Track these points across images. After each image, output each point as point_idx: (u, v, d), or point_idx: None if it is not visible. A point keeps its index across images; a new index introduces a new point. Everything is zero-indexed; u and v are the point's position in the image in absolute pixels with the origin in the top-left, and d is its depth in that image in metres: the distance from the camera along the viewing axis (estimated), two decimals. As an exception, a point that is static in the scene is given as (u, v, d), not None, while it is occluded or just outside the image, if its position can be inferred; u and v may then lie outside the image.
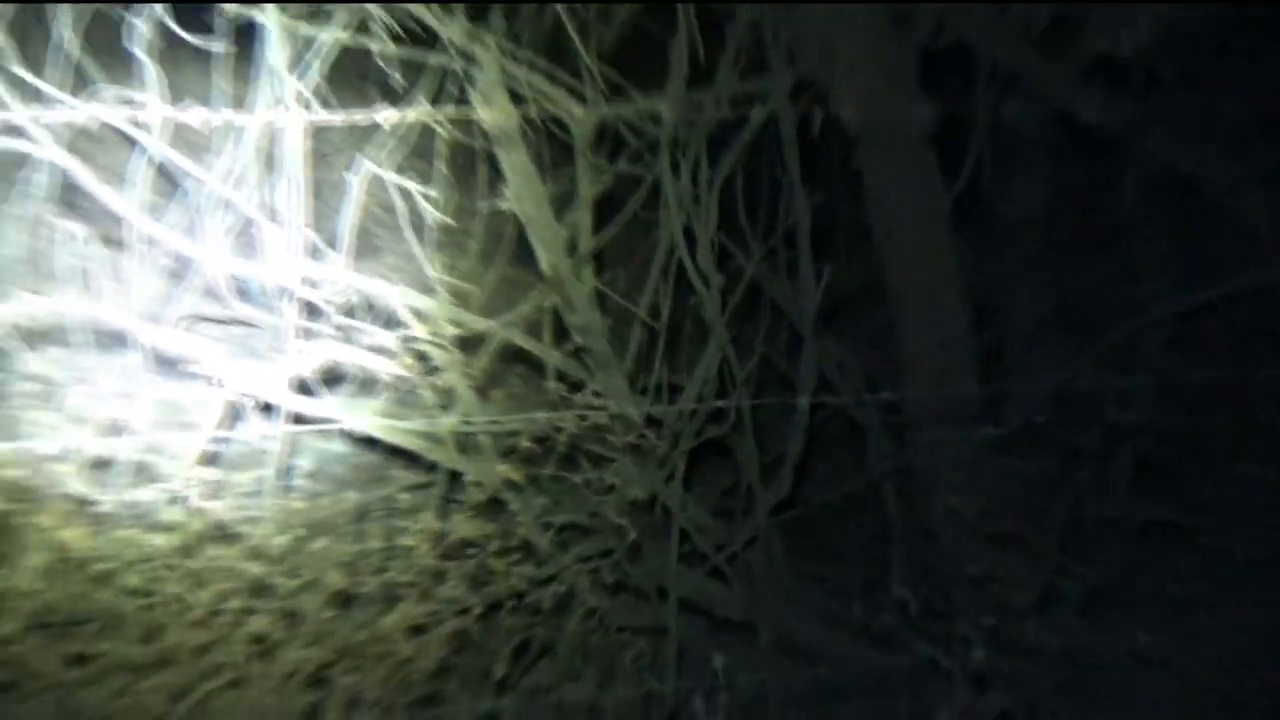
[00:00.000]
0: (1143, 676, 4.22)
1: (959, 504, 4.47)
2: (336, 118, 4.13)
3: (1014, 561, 4.38)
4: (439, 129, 4.27)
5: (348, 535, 4.26)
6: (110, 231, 4.10)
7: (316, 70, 4.10)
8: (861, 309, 4.41)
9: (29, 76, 3.89)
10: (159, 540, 4.12)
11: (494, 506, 4.24)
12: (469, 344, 4.30)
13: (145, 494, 4.20)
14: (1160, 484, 4.59)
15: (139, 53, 3.90)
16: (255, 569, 4.11)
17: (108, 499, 4.14)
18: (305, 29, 4.11)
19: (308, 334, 4.18)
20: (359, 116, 4.15)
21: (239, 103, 4.08)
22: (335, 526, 4.27)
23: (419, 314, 4.22)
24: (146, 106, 3.93)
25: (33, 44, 3.97)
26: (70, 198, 4.08)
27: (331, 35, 4.12)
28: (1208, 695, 4.20)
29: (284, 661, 4.00)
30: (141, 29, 3.92)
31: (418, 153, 4.26)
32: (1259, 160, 4.53)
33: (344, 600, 4.13)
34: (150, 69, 3.92)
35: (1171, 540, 4.52)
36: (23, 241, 4.19)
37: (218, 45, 3.98)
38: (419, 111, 4.24)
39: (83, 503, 4.12)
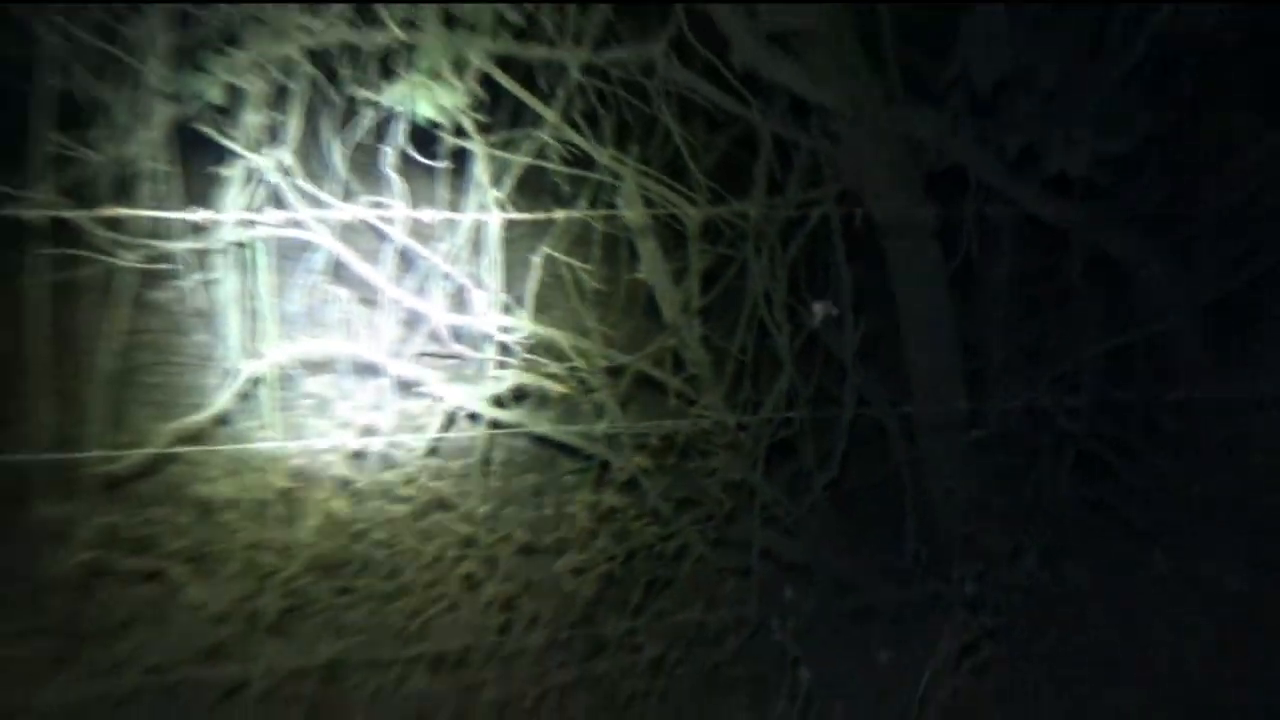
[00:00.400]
0: (1083, 605, 4.20)
1: (955, 485, 4.48)
2: (523, 216, 4.17)
3: (994, 525, 4.37)
4: (594, 223, 4.29)
5: (529, 505, 4.26)
6: (366, 294, 4.12)
7: (509, 182, 4.14)
8: (885, 348, 4.41)
9: (310, 187, 3.95)
10: (398, 508, 4.11)
11: (632, 485, 4.19)
12: (614, 372, 4.24)
13: (389, 476, 4.22)
14: (1095, 473, 4.57)
15: (388, 170, 3.95)
16: (465, 528, 4.09)
17: (363, 479, 4.15)
18: (500, 153, 4.15)
19: (501, 365, 4.19)
20: (538, 215, 4.18)
21: (455, 205, 4.12)
22: (521, 499, 4.27)
23: (579, 351, 4.18)
24: (392, 207, 3.98)
25: (312, 164, 4.03)
26: (338, 271, 4.12)
27: (519, 158, 4.17)
28: (1129, 619, 4.18)
29: (485, 593, 3.97)
30: (390, 153, 3.97)
31: (579, 240, 4.28)
32: (1161, 246, 4.53)
33: (527, 550, 4.11)
34: (395, 181, 3.97)
35: (1103, 512, 4.50)
36: (305, 301, 4.23)
37: (441, 164, 4.03)
38: (580, 211, 4.26)
39: (345, 482, 4.13)
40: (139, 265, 3.88)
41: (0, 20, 3.86)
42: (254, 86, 3.93)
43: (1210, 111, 4.51)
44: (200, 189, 4.00)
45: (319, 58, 3.97)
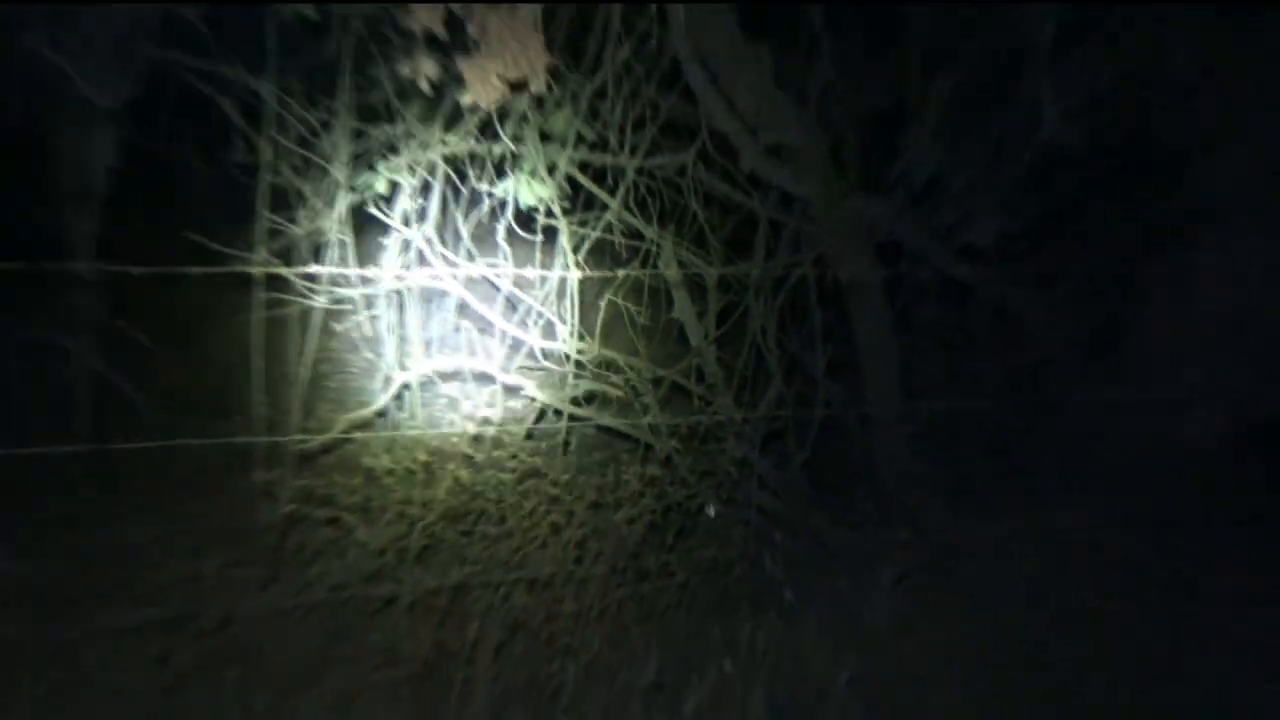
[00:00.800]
0: (983, 547, 4.16)
1: (894, 463, 4.42)
2: (593, 273, 4.14)
3: (922, 491, 4.34)
4: (643, 278, 4.27)
5: (596, 474, 4.21)
6: (482, 325, 4.09)
7: (584, 249, 4.11)
8: (846, 367, 4.38)
9: (445, 251, 3.94)
10: (506, 476, 4.07)
11: (667, 461, 4.10)
12: (656, 382, 4.15)
13: (498, 453, 4.18)
14: (993, 454, 4.54)
15: (499, 240, 3.94)
16: (551, 490, 4.03)
17: (480, 455, 4.12)
18: (578, 229, 4.09)
19: (577, 376, 4.15)
20: (604, 273, 4.15)
21: (545, 265, 4.09)
22: (590, 470, 4.21)
23: (631, 367, 4.12)
24: (502, 266, 3.96)
25: (446, 235, 4.01)
26: (463, 309, 4.09)
27: (591, 232, 4.14)
28: (1013, 555, 4.14)
29: (564, 536, 3.90)
30: (501, 228, 3.96)
31: (632, 289, 4.24)
32: (1040, 297, 4.50)
33: (594, 506, 4.04)
34: (504, 248, 3.95)
35: (996, 483, 4.46)
36: (440, 330, 4.21)
37: (536, 237, 4.00)
38: (633, 270, 4.24)
39: (468, 457, 4.10)
40: (325, 305, 3.88)
41: (232, 135, 3.87)
42: (407, 181, 3.93)
43: (1077, 202, 4.47)
44: (369, 252, 4.00)
45: (452, 161, 3.97)
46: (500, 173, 3.97)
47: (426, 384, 4.14)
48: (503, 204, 3.98)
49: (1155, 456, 4.38)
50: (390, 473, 3.99)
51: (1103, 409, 4.39)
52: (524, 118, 3.87)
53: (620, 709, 3.21)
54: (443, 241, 4.00)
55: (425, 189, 3.96)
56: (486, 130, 3.89)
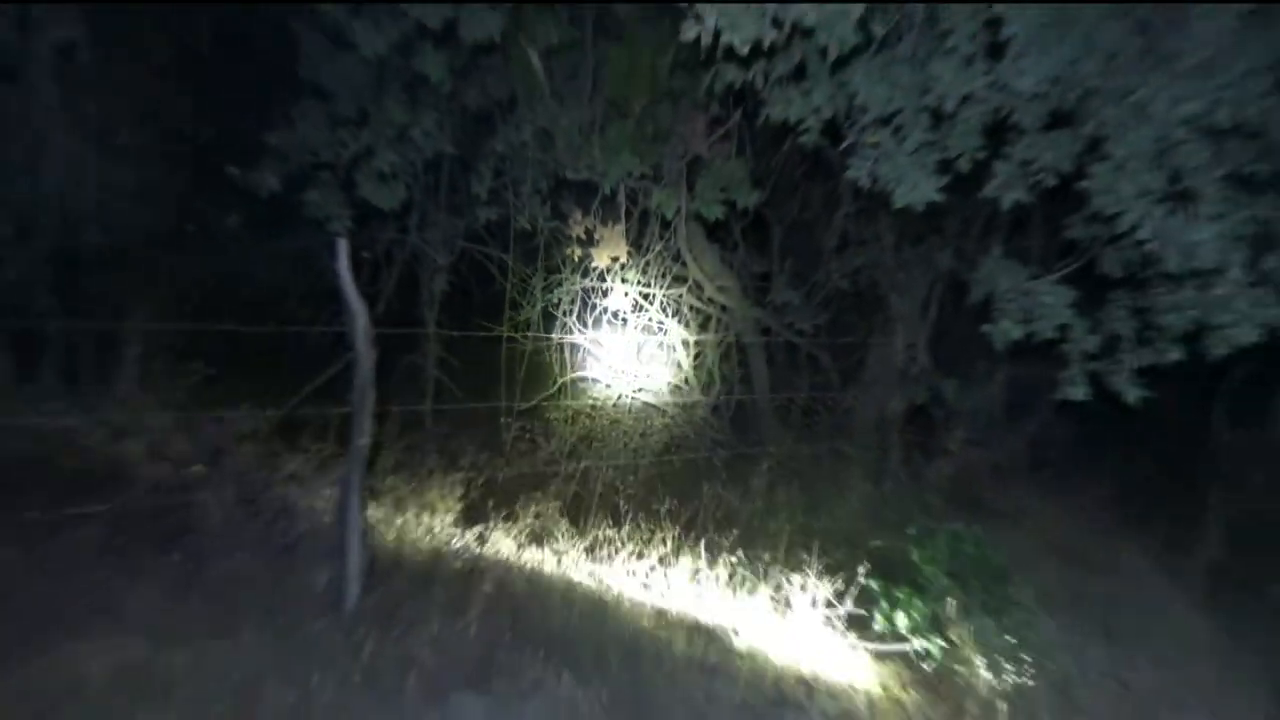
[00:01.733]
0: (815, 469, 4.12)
1: (772, 428, 4.29)
2: (644, 338, 4.19)
3: (785, 439, 4.35)
4: (664, 341, 4.32)
5: (644, 420, 4.13)
6: (595, 358, 4.13)
7: (640, 328, 4.15)
8: (746, 379, 4.32)
9: (582, 329, 3.95)
10: (605, 422, 4.00)
11: (674, 417, 4.09)
12: (674, 387, 4.30)
13: (604, 411, 4.03)
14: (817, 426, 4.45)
15: (604, 323, 3.97)
16: (626, 427, 3.99)
17: (596, 412, 4.02)
18: (637, 319, 4.16)
19: (646, 382, 4.20)
20: (648, 338, 4.20)
21: (623, 333, 4.12)
22: (641, 418, 4.10)
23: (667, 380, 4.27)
24: (602, 335, 3.99)
25: (583, 321, 4.02)
26: (587, 353, 4.12)
27: (643, 321, 4.21)
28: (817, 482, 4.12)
29: (631, 446, 3.79)
30: (604, 318, 3.99)
31: (660, 345, 4.31)
32: (827, 352, 4.53)
33: (642, 435, 3.93)
34: (605, 326, 3.99)
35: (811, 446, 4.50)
36: (578, 359, 4.23)
37: (618, 323, 4.04)
38: (660, 337, 4.29)
39: (589, 414, 4.01)
40: (532, 347, 3.89)
41: (494, 277, 3.92)
42: (566, 297, 3.98)
43: (842, 313, 4.46)
44: (550, 326, 4.02)
45: (585, 290, 4.00)
46: (605, 294, 4.04)
47: (574, 381, 4.16)
48: (606, 308, 4.05)
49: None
50: (558, 419, 3.98)
51: (851, 403, 4.33)
52: (615, 272, 3.97)
53: (655, 516, 3.19)
54: (580, 322, 4.05)
55: (573, 300, 4.03)
56: (601, 277, 3.98)
